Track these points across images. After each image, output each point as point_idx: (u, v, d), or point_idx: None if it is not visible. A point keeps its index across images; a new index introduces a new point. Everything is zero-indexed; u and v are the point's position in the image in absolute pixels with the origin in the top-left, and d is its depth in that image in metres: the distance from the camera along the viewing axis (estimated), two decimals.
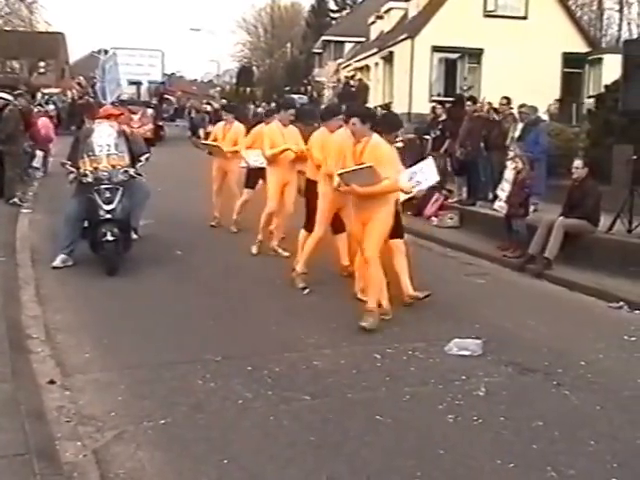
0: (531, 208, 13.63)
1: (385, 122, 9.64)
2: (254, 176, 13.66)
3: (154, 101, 40.30)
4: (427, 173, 10.13)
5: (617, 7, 59.80)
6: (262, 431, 5.83)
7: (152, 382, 6.75)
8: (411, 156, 17.77)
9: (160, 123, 38.78)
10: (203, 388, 6.65)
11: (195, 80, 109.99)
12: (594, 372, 7.41)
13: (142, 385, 6.68)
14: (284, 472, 5.22)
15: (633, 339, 8.63)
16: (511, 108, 16.88)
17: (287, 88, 53.31)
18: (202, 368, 7.08)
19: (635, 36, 51.16)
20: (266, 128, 12.50)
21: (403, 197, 9.86)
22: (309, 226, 10.49)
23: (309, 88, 50.54)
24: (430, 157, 10.38)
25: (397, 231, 9.41)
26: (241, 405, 6.29)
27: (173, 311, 9.07)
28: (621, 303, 10.09)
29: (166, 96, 49.81)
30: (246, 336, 8.20)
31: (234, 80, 70.05)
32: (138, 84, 40.17)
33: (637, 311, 9.85)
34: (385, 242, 8.96)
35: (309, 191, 10.65)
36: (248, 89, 58.56)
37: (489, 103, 18.05)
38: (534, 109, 16.56)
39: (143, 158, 11.30)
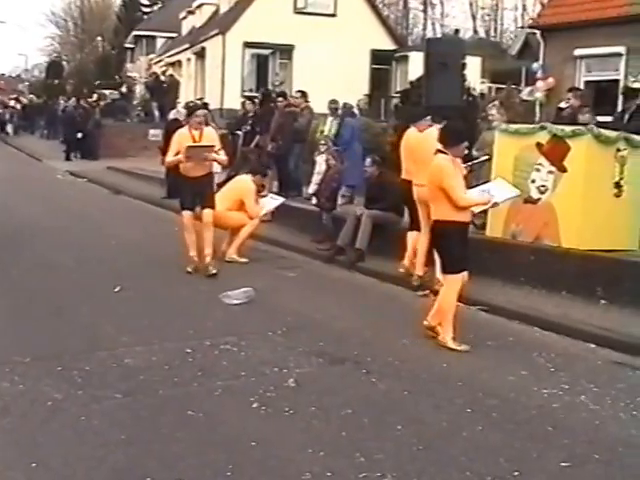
0: (340, 201, 13.84)
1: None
2: None
3: None
4: (498, 190, 8.94)
5: (422, 7, 62.26)
6: (72, 432, 5.72)
7: None
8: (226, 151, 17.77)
9: None
10: (11, 391, 6.45)
11: (2, 75, 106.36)
12: (402, 359, 7.65)
13: None
14: (95, 472, 5.14)
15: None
16: (307, 101, 17.19)
17: (97, 82, 52.03)
18: (10, 370, 6.87)
19: (439, 35, 53.02)
20: None
21: (478, 210, 9.00)
22: (414, 226, 10.74)
23: (121, 83, 49.60)
24: (499, 178, 9.62)
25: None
26: (50, 406, 6.15)
27: None
28: (427, 291, 10.43)
29: None
30: (56, 336, 8.02)
31: (44, 75, 68.05)
32: None
33: None
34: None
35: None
36: (58, 83, 56.96)
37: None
38: (343, 104, 16.90)
39: None
